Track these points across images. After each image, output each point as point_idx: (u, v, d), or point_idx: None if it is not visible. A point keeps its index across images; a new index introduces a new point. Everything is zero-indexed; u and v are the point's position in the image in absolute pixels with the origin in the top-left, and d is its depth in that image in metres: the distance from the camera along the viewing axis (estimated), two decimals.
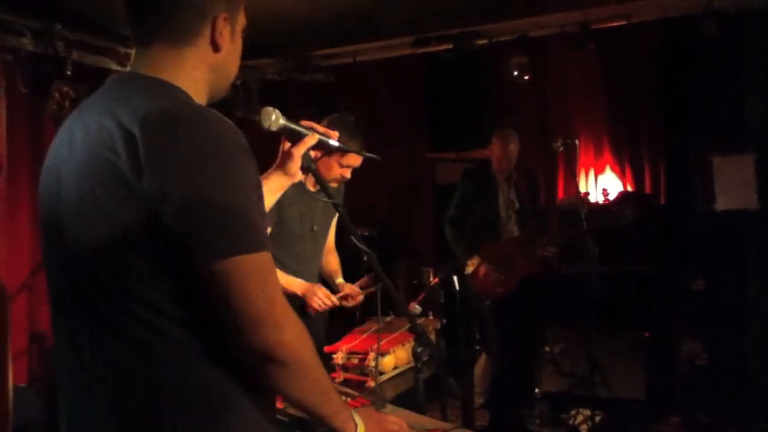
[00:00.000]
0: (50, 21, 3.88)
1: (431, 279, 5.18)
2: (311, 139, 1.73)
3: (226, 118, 1.20)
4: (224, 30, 1.31)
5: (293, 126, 1.70)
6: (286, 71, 5.26)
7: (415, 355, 1.83)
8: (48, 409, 3.63)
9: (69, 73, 4.01)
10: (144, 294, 1.13)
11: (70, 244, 1.19)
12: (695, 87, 4.57)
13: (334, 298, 2.80)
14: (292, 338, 1.15)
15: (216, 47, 1.31)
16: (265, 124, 1.68)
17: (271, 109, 1.70)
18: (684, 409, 4.06)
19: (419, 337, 1.83)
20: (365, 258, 1.82)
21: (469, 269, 4.15)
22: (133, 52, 1.31)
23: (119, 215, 1.11)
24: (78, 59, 4.13)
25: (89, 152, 1.17)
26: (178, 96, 1.24)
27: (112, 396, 1.18)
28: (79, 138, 1.21)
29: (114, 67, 4.45)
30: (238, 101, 5.14)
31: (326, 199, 1.95)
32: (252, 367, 1.17)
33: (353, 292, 2.93)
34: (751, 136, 4.12)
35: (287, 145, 1.75)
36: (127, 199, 1.10)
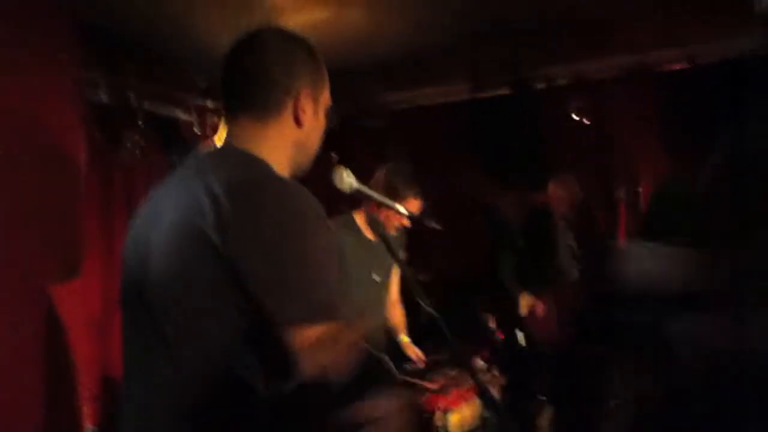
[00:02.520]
0: (123, 74, 4.05)
1: (491, 324, 5.13)
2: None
3: (307, 190, 1.25)
4: (307, 107, 1.38)
5: (365, 189, 1.73)
6: (345, 116, 5.34)
7: (483, 421, 1.80)
8: None
9: (140, 123, 4.17)
10: (217, 350, 1.21)
11: (156, 303, 1.26)
12: (758, 129, 4.44)
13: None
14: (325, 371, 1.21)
15: (299, 123, 1.38)
16: (338, 185, 1.73)
17: (345, 170, 1.74)
18: None
19: (487, 401, 1.81)
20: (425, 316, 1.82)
21: (524, 310, 4.08)
22: (223, 123, 1.40)
23: (203, 274, 1.19)
24: (149, 109, 4.30)
25: (178, 216, 1.25)
26: (263, 167, 1.30)
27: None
28: (169, 205, 1.29)
29: (182, 116, 4.61)
30: None
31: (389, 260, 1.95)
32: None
33: (417, 357, 2.91)
34: None
35: None
36: (211, 259, 1.17)
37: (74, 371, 2.92)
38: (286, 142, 1.38)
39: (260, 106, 1.35)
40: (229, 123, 1.39)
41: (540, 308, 4.04)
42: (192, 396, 1.22)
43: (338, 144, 5.46)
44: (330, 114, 1.48)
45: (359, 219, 2.94)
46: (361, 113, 5.28)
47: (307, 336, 1.17)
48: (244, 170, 1.27)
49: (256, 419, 1.23)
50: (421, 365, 2.95)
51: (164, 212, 1.29)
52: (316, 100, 1.40)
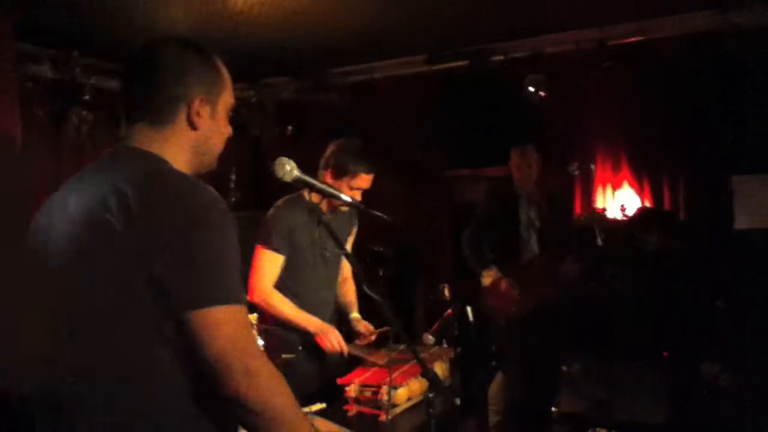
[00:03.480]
0: (68, 48, 3.94)
1: (447, 294, 5.19)
2: None
3: (206, 185, 1.33)
4: (202, 110, 1.45)
5: (307, 178, 1.73)
6: (302, 90, 5.29)
7: (428, 401, 1.83)
8: None
9: (87, 98, 4.07)
10: (129, 346, 1.26)
11: (59, 296, 1.32)
12: (717, 103, 4.51)
13: (345, 347, 2.79)
14: (263, 386, 1.24)
15: (193, 126, 1.45)
16: (279, 174, 1.72)
17: (285, 159, 1.73)
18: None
19: (431, 382, 1.83)
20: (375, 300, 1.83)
21: (487, 281, 4.11)
22: (123, 127, 1.45)
23: (108, 266, 1.25)
24: (97, 84, 4.20)
25: (83, 210, 1.31)
26: (164, 164, 1.39)
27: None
28: (73, 201, 1.35)
29: None
30: (255, 120, 5.19)
31: (334, 249, 1.97)
32: (233, 414, 1.28)
33: (367, 331, 2.93)
34: None
35: None
36: (116, 251, 1.24)
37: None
38: (184, 145, 1.45)
39: (154, 114, 1.43)
40: (128, 129, 1.45)
41: (504, 284, 4.07)
42: (103, 393, 1.28)
43: (296, 118, 5.45)
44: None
45: (308, 195, 2.92)
46: (318, 87, 5.23)
47: (210, 319, 1.22)
48: (146, 165, 1.35)
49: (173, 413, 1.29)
50: (372, 338, 2.97)
51: (67, 210, 1.35)
52: (213, 104, 1.47)
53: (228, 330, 1.23)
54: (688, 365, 4.22)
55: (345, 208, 2.87)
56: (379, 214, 2.02)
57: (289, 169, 1.71)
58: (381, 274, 5.28)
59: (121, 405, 1.27)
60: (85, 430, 1.29)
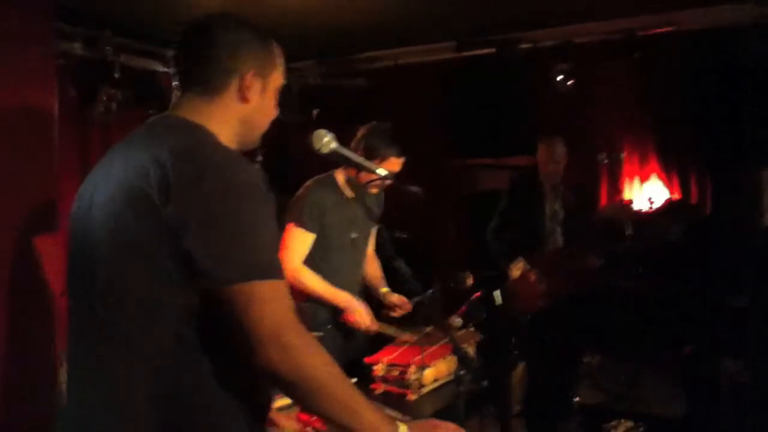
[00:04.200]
0: (100, 27, 3.95)
1: (469, 282, 5.16)
2: None
3: (247, 160, 1.34)
4: (253, 85, 1.48)
5: (343, 152, 1.73)
6: (327, 75, 5.28)
7: (458, 378, 1.83)
8: None
9: (116, 75, 4.09)
10: (165, 315, 1.26)
11: (96, 264, 1.32)
12: (747, 96, 4.45)
13: (374, 325, 2.80)
14: (301, 357, 1.23)
15: (244, 99, 1.48)
16: (316, 146, 1.73)
17: (323, 132, 1.74)
18: (725, 429, 3.97)
19: (462, 359, 1.83)
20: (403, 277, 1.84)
21: (516, 273, 4.09)
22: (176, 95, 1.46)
23: (143, 237, 1.25)
24: (125, 62, 4.22)
25: (123, 179, 1.32)
26: (207, 134, 1.40)
27: (133, 417, 1.28)
28: (116, 169, 1.36)
29: (160, 69, 4.53)
30: (280, 104, 5.19)
31: (368, 223, 1.97)
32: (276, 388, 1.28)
33: (400, 302, 2.93)
34: None
35: None
36: (153, 222, 1.23)
37: (54, 326, 2.92)
38: (232, 118, 1.47)
39: (205, 84, 1.45)
40: (180, 97, 1.49)
41: (533, 277, 4.05)
42: (137, 375, 1.28)
43: (320, 103, 5.44)
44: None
45: (339, 178, 2.94)
46: (343, 72, 5.22)
47: (246, 294, 1.21)
48: (188, 137, 1.36)
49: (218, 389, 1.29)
50: (408, 309, 2.97)
51: (110, 176, 1.36)
52: (264, 80, 1.50)
53: (262, 305, 1.22)
54: (709, 361, 4.19)
55: (375, 190, 2.87)
56: (413, 189, 2.02)
57: (326, 141, 1.73)
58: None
59: (146, 382, 1.27)
60: (118, 404, 1.29)
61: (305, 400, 1.28)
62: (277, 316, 1.23)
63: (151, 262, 1.24)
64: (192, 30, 1.50)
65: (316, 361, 1.27)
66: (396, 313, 2.95)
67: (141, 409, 1.27)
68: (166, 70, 4.54)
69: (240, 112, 1.48)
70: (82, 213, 1.40)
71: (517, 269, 4.10)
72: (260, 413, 1.42)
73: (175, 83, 4.36)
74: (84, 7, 3.70)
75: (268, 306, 1.23)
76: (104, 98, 4.07)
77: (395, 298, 2.98)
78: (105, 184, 1.36)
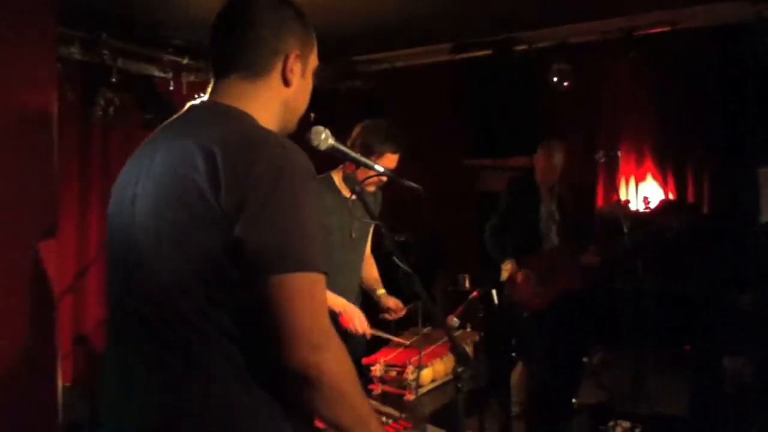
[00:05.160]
0: (97, 31, 3.96)
1: (467, 284, 5.17)
2: None
3: (298, 147, 1.27)
4: (295, 67, 1.42)
5: (342, 147, 1.73)
6: (324, 78, 5.28)
7: (456, 375, 1.82)
8: (93, 410, 3.72)
9: (114, 80, 4.10)
10: (210, 309, 1.21)
11: (143, 259, 1.27)
12: (743, 96, 4.46)
13: (369, 330, 2.79)
14: (330, 362, 1.19)
15: (287, 82, 1.41)
16: (314, 143, 1.73)
17: (321, 128, 1.74)
18: (727, 427, 3.97)
19: (460, 357, 1.82)
20: (402, 274, 1.83)
21: (504, 274, 4.10)
22: (211, 82, 1.42)
23: (195, 229, 1.20)
24: (123, 67, 4.23)
25: (170, 171, 1.26)
26: (254, 123, 1.34)
27: (171, 413, 1.24)
28: (159, 159, 1.30)
29: (157, 74, 4.53)
30: None
31: (367, 219, 1.97)
32: (291, 388, 1.21)
33: (396, 306, 2.93)
34: None
35: None
36: (204, 213, 1.19)
37: (54, 329, 2.92)
38: (275, 102, 1.41)
39: (249, 66, 1.38)
40: (217, 82, 1.41)
41: (520, 276, 4.06)
42: (177, 371, 1.24)
43: (320, 106, 5.44)
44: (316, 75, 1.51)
45: (337, 178, 2.94)
46: (343, 75, 5.23)
47: (289, 285, 1.17)
48: (237, 125, 1.30)
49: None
50: (402, 314, 2.97)
51: (153, 167, 1.30)
52: (304, 61, 1.44)
53: (303, 298, 1.18)
54: (710, 359, 4.19)
55: (372, 188, 2.87)
56: (412, 185, 2.01)
57: (324, 137, 1.72)
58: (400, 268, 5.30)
59: (178, 374, 1.24)
60: (150, 392, 1.27)
61: (321, 406, 1.22)
62: (316, 311, 1.20)
63: (204, 256, 1.19)
64: (231, 8, 1.42)
65: (344, 368, 1.23)
66: (390, 316, 2.94)
67: (193, 409, 1.23)
68: (162, 75, 4.55)
69: (282, 96, 1.42)
70: (124, 208, 1.33)
71: (505, 270, 4.10)
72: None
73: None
74: (81, 8, 3.70)
75: (310, 300, 1.19)
76: (102, 102, 4.08)
77: (391, 302, 2.98)
78: (148, 177, 1.30)
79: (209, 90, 1.42)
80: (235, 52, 1.39)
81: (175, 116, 1.40)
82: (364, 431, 1.28)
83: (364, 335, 2.82)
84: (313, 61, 1.48)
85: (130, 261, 1.29)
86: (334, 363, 1.20)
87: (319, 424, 1.55)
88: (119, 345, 1.35)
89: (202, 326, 1.21)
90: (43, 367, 2.85)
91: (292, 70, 1.41)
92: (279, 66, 1.40)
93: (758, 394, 4.04)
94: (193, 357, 1.22)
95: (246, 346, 1.22)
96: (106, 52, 4.02)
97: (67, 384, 3.84)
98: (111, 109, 4.07)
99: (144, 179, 1.31)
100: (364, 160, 1.89)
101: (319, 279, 1.21)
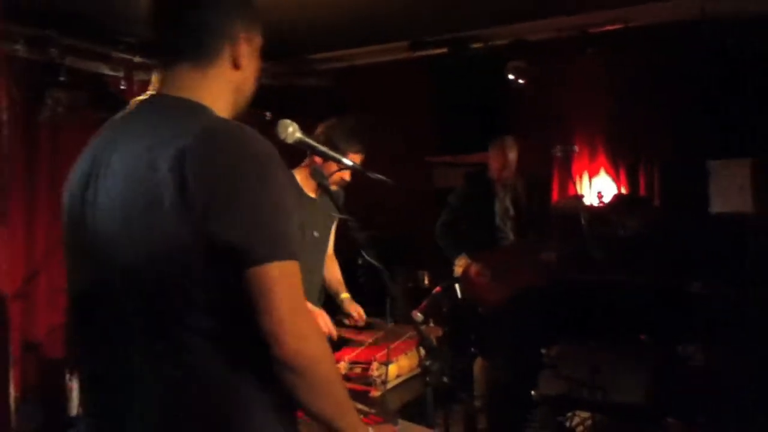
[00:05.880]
0: (44, 27, 3.84)
1: (426, 281, 5.19)
2: None
3: (258, 133, 1.24)
4: (244, 49, 1.37)
5: (309, 140, 1.72)
6: (280, 75, 5.24)
7: (425, 368, 1.81)
8: (46, 419, 3.60)
9: (63, 79, 3.97)
10: (186, 307, 1.18)
11: (114, 263, 1.23)
12: (693, 90, 4.59)
13: (334, 332, 2.77)
14: (312, 350, 1.19)
15: (237, 66, 1.36)
16: (281, 136, 1.71)
17: (288, 121, 1.72)
18: (682, 412, 4.07)
19: (430, 350, 1.82)
20: (364, 272, 1.82)
21: (458, 270, 4.12)
22: (156, 74, 1.35)
23: (164, 230, 1.16)
24: (72, 65, 4.10)
25: (131, 172, 1.21)
26: (212, 115, 1.29)
27: (154, 408, 1.22)
28: (117, 160, 1.25)
29: (107, 72, 4.41)
30: None
31: (335, 213, 1.96)
32: (276, 377, 1.20)
33: (358, 316, 2.92)
34: (747, 141, 4.15)
35: None
36: (171, 213, 1.15)
37: (6, 333, 2.82)
38: (227, 88, 1.37)
39: (198, 54, 1.33)
40: (165, 73, 1.34)
41: (473, 270, 4.08)
42: (154, 368, 1.22)
43: (278, 103, 5.39)
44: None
45: (299, 176, 2.91)
46: (297, 72, 5.19)
47: (269, 275, 1.16)
48: (195, 119, 1.25)
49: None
50: (361, 323, 2.96)
51: (112, 169, 1.26)
52: (252, 42, 1.39)
53: (284, 287, 1.17)
54: (665, 346, 4.29)
55: (335, 187, 2.85)
56: (381, 177, 2.00)
57: (291, 131, 1.70)
58: (360, 262, 5.28)
59: (167, 375, 1.21)
60: (137, 397, 1.24)
61: (304, 393, 1.22)
62: (295, 299, 1.19)
63: (176, 254, 1.17)
64: None
65: (326, 354, 1.24)
66: (350, 323, 2.93)
67: (175, 405, 1.21)
68: (113, 73, 4.44)
69: (234, 81, 1.37)
70: (85, 213, 1.28)
71: (459, 266, 4.13)
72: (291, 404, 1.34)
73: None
74: (26, 3, 3.57)
75: (289, 288, 1.18)
76: (50, 102, 3.95)
77: (353, 309, 2.97)
78: (107, 180, 1.25)
79: (157, 80, 1.34)
80: (180, 39, 1.33)
81: (124, 113, 1.34)
82: (342, 417, 1.28)
83: (329, 337, 2.80)
84: (258, 40, 1.42)
85: (99, 266, 1.25)
86: (319, 350, 1.20)
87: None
88: (93, 349, 1.32)
89: (177, 326, 1.19)
90: None
91: (241, 53, 1.36)
92: (228, 50, 1.34)
93: (712, 379, 4.16)
94: (169, 358, 1.20)
95: (227, 342, 1.21)
96: (54, 49, 3.90)
97: (16, 393, 3.71)
98: (60, 109, 3.94)
99: (102, 182, 1.26)
100: (332, 153, 1.88)
101: (293, 266, 1.20)
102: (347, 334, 2.85)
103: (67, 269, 1.35)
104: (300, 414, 1.32)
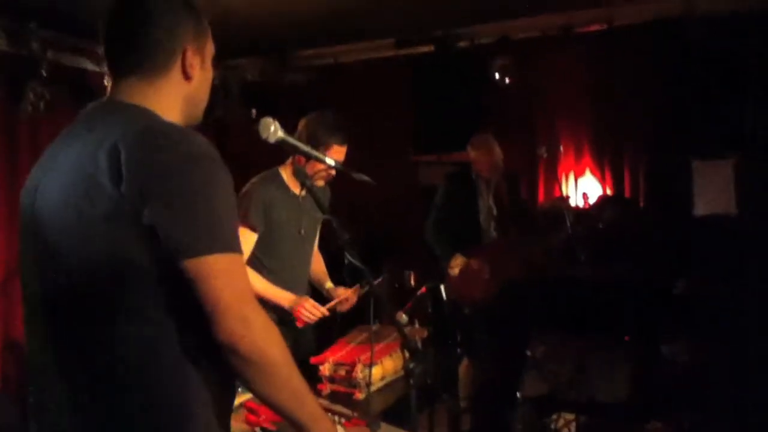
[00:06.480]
0: (24, 20, 3.78)
1: (413, 282, 5.17)
2: None
3: (200, 134, 1.29)
4: (194, 61, 1.42)
5: (291, 140, 1.70)
6: (267, 72, 5.20)
7: (408, 371, 1.80)
8: (24, 416, 3.55)
9: (44, 73, 3.91)
10: (123, 299, 1.22)
11: (55, 257, 1.27)
12: (677, 91, 4.60)
13: (323, 309, 2.76)
14: (258, 333, 1.22)
15: (187, 77, 1.42)
16: (263, 135, 1.70)
17: (270, 120, 1.71)
18: (666, 412, 4.09)
19: (412, 352, 1.81)
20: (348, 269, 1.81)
21: (455, 270, 4.11)
22: (110, 82, 1.39)
23: (102, 223, 1.20)
24: (53, 59, 4.04)
25: (72, 168, 1.27)
26: (156, 117, 1.34)
27: (95, 404, 1.25)
28: (62, 158, 1.31)
29: (90, 67, 4.35)
30: (218, 102, 5.09)
31: (318, 214, 1.94)
32: (227, 365, 1.23)
33: (346, 294, 2.90)
34: (732, 141, 4.17)
35: None
36: (109, 206, 1.19)
37: None
38: (177, 98, 1.41)
39: (147, 68, 1.37)
40: (116, 82, 1.39)
41: (474, 265, 4.07)
42: (96, 361, 1.25)
43: (261, 100, 5.36)
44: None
45: (285, 174, 2.90)
46: (283, 69, 5.15)
47: (205, 267, 1.19)
48: (138, 119, 1.30)
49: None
50: (354, 300, 2.94)
51: (56, 169, 1.31)
52: (201, 53, 1.44)
53: (223, 278, 1.20)
54: (648, 346, 4.31)
55: (321, 183, 2.84)
56: (363, 177, 1.99)
57: (273, 129, 1.69)
58: (346, 262, 5.26)
59: (117, 370, 1.24)
60: (81, 387, 1.27)
61: (257, 382, 1.25)
62: (238, 288, 1.22)
63: (116, 247, 1.21)
64: (121, 7, 1.40)
65: (274, 340, 1.25)
66: (342, 308, 2.91)
67: (115, 397, 1.24)
68: (96, 68, 4.37)
69: (184, 91, 1.42)
70: (34, 210, 1.33)
71: (456, 265, 4.11)
72: (227, 399, 1.40)
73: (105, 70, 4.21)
74: None
75: (230, 278, 1.21)
76: (32, 97, 3.90)
77: (340, 291, 2.96)
78: (52, 178, 1.31)
79: (110, 89, 1.39)
80: (131, 54, 1.37)
81: (78, 116, 1.39)
82: (300, 407, 1.30)
83: (312, 332, 2.79)
84: (210, 49, 1.47)
85: (42, 260, 1.30)
86: (264, 335, 1.23)
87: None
88: (36, 343, 1.34)
89: (118, 319, 1.23)
90: None
91: (191, 65, 1.41)
92: (178, 62, 1.39)
93: (694, 378, 4.18)
94: (110, 351, 1.23)
95: (171, 332, 1.24)
96: (35, 43, 3.84)
97: None
98: (41, 104, 3.89)
99: (47, 181, 1.31)
100: (314, 152, 1.87)
101: (235, 258, 1.24)
102: (336, 305, 2.86)
103: (20, 267, 1.38)
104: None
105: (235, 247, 1.25)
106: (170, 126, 1.31)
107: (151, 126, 1.28)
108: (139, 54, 1.36)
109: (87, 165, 1.23)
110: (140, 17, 1.37)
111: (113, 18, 1.39)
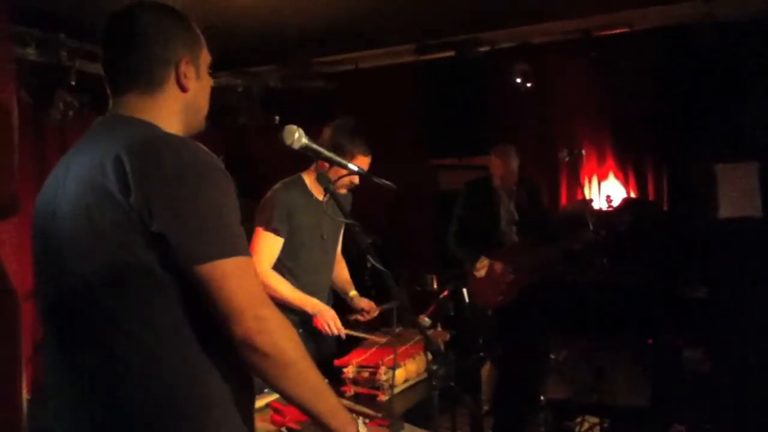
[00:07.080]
0: (54, 31, 3.86)
1: (434, 285, 5.18)
2: None
3: (201, 145, 1.34)
4: (188, 71, 1.47)
5: (315, 146, 1.73)
6: (288, 79, 5.25)
7: (431, 373, 1.82)
8: None
9: (72, 82, 4.00)
10: (135, 307, 1.27)
11: (66, 262, 1.31)
12: (699, 94, 4.58)
13: (342, 330, 2.79)
14: (274, 329, 1.26)
15: (183, 88, 1.47)
16: (287, 142, 1.73)
17: (294, 127, 1.74)
18: (688, 417, 4.07)
19: (436, 354, 1.83)
20: (371, 275, 1.83)
21: (482, 272, 4.13)
22: (111, 100, 1.45)
23: (113, 232, 1.25)
24: (81, 68, 4.12)
25: (83, 179, 1.31)
26: (158, 128, 1.40)
27: (108, 412, 1.29)
28: (74, 169, 1.36)
29: None
30: (241, 109, 5.16)
31: (340, 219, 1.97)
32: (246, 363, 1.28)
33: (369, 307, 2.93)
34: (754, 144, 4.14)
35: None
36: (119, 215, 1.24)
37: (18, 339, 2.84)
38: (175, 109, 1.46)
39: (144, 84, 1.43)
40: (116, 97, 1.45)
41: (498, 267, 4.09)
42: (105, 367, 1.28)
43: (282, 106, 5.42)
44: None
45: (308, 179, 2.92)
46: (304, 76, 5.20)
47: (217, 272, 1.24)
48: (141, 131, 1.35)
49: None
50: (375, 314, 2.97)
51: (68, 179, 1.36)
52: (196, 63, 1.49)
53: (236, 281, 1.25)
54: (671, 351, 4.28)
55: (343, 190, 2.87)
56: (386, 182, 2.01)
57: (297, 136, 1.72)
58: (369, 265, 5.29)
59: (123, 367, 1.28)
60: (94, 390, 1.30)
61: (275, 377, 1.29)
62: (251, 290, 1.26)
63: (125, 254, 1.25)
64: (114, 26, 1.45)
65: (289, 336, 1.30)
66: (363, 318, 2.94)
67: (129, 400, 1.28)
68: None
69: (182, 101, 1.47)
70: (46, 222, 1.38)
71: (482, 267, 4.13)
72: (247, 398, 1.43)
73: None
74: (37, 7, 3.60)
75: (242, 280, 1.25)
76: (61, 105, 3.98)
77: (364, 303, 2.98)
78: (65, 188, 1.35)
79: (112, 105, 1.45)
80: (127, 71, 1.43)
81: (88, 130, 1.44)
82: (318, 401, 1.35)
83: (335, 336, 2.81)
84: (205, 58, 1.52)
85: (56, 268, 1.34)
86: (279, 331, 1.27)
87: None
88: (52, 349, 1.38)
89: (127, 325, 1.27)
90: (7, 374, 2.77)
91: (186, 76, 1.46)
92: (172, 75, 1.44)
93: (715, 383, 4.15)
94: (118, 358, 1.27)
95: (177, 336, 1.28)
96: (63, 52, 3.92)
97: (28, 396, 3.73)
98: (70, 112, 3.97)
99: (60, 191, 1.36)
100: (338, 158, 1.89)
101: (246, 261, 1.29)
102: (358, 334, 2.87)
103: (33, 274, 1.44)
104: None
105: (244, 250, 1.30)
106: (171, 137, 1.36)
107: (152, 137, 1.33)
108: (136, 72, 1.42)
109: (97, 174, 1.27)
110: (133, 37, 1.42)
111: (108, 40, 1.46)
